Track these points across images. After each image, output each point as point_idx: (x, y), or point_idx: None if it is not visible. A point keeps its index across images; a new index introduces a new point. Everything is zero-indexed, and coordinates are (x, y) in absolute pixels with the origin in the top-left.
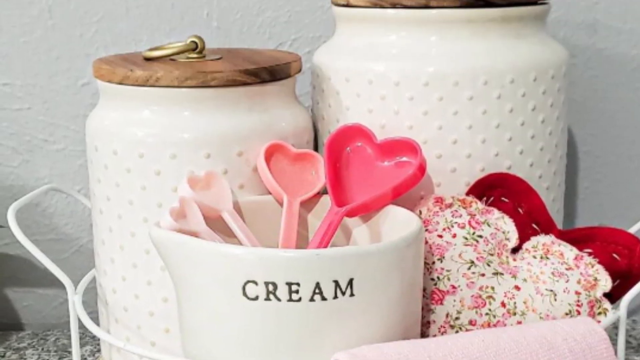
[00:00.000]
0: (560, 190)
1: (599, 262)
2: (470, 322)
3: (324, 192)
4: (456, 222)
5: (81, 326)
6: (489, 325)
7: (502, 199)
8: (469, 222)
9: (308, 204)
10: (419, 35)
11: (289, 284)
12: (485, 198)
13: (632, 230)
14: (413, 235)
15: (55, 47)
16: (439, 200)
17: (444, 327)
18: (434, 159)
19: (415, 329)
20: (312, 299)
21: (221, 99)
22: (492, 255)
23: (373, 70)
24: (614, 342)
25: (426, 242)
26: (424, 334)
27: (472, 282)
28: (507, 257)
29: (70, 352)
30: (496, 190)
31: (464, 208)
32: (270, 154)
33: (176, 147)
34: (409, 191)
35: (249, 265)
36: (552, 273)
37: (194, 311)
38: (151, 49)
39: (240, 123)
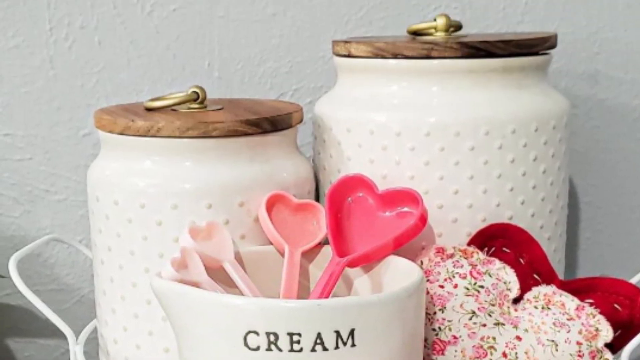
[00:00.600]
0: (562, 240)
1: (601, 313)
2: None
3: (325, 242)
4: (457, 273)
5: None
6: None
7: (504, 249)
8: (470, 273)
9: (309, 254)
10: (421, 85)
11: (291, 335)
12: (486, 248)
13: (634, 280)
14: (414, 286)
15: (56, 98)
16: (440, 251)
17: None
18: (435, 209)
19: None
20: (313, 349)
21: (222, 149)
22: (493, 305)
23: (374, 120)
24: None
25: (427, 293)
26: None
27: (474, 333)
28: (508, 307)
29: None
30: (497, 240)
31: (466, 258)
32: (272, 204)
33: (177, 197)
34: (411, 241)
35: (250, 315)
36: (554, 323)
37: None
38: (152, 99)
39: (241, 173)
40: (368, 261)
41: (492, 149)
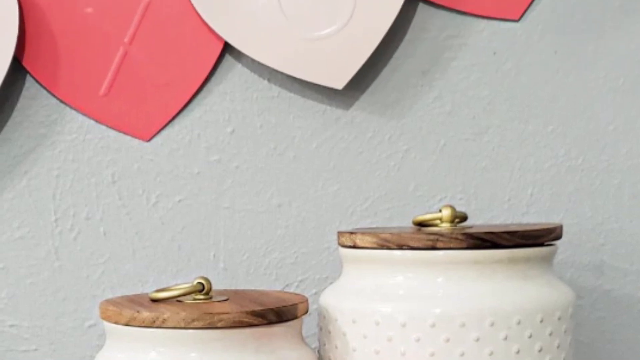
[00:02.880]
0: None
1: None
2: None
3: None
4: None
5: None
6: None
7: None
8: None
9: None
10: (426, 276)
11: None
12: None
13: None
14: None
15: (61, 289)
16: None
17: None
18: None
19: None
20: None
21: (228, 340)
22: None
23: (380, 311)
24: None
25: None
26: None
27: None
28: None
29: None
30: None
31: None
32: None
33: None
34: None
35: None
36: None
37: None
38: (158, 291)
39: None
40: None
41: (497, 340)
